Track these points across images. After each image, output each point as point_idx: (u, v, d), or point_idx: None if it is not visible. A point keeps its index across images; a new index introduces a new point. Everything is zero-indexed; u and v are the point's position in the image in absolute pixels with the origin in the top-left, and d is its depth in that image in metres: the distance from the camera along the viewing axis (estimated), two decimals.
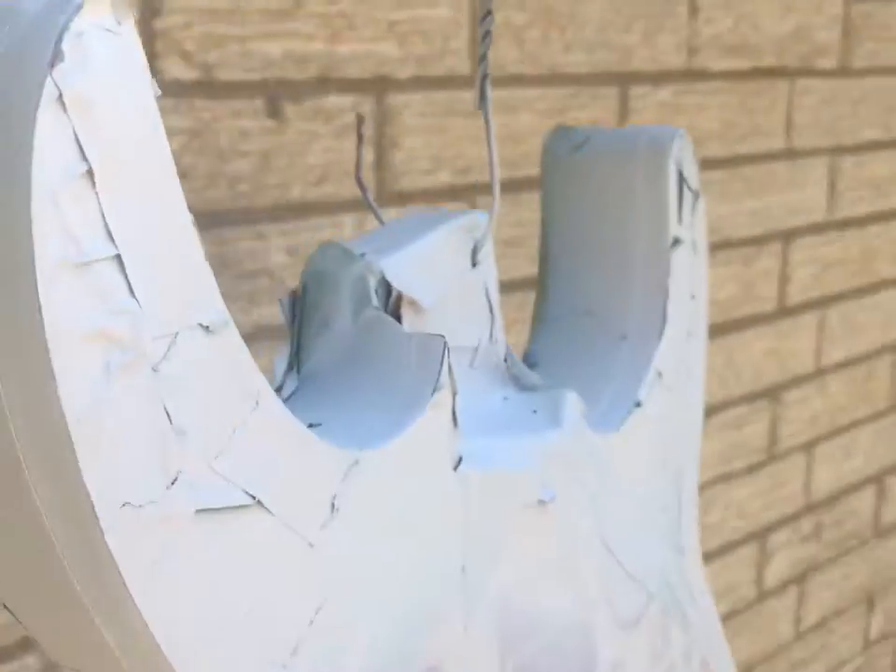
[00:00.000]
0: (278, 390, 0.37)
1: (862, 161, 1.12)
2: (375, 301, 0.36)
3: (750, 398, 1.06)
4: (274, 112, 0.65)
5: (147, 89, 0.27)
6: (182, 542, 0.28)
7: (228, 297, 0.30)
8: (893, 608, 1.35)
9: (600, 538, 0.40)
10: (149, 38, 0.58)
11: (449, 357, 0.34)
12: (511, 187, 0.79)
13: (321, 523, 0.31)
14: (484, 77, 0.41)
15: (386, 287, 0.37)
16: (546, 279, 0.50)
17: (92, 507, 0.26)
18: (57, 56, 0.25)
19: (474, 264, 0.41)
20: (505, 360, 0.42)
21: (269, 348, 0.55)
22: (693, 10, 0.90)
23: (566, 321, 0.48)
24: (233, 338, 0.29)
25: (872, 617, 1.31)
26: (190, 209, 0.29)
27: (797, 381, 1.10)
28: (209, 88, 0.62)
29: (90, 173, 0.26)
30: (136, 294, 0.27)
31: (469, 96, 0.75)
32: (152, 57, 0.58)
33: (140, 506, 0.27)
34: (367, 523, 0.32)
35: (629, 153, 0.47)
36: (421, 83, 0.72)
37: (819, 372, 1.13)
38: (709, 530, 1.04)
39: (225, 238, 0.64)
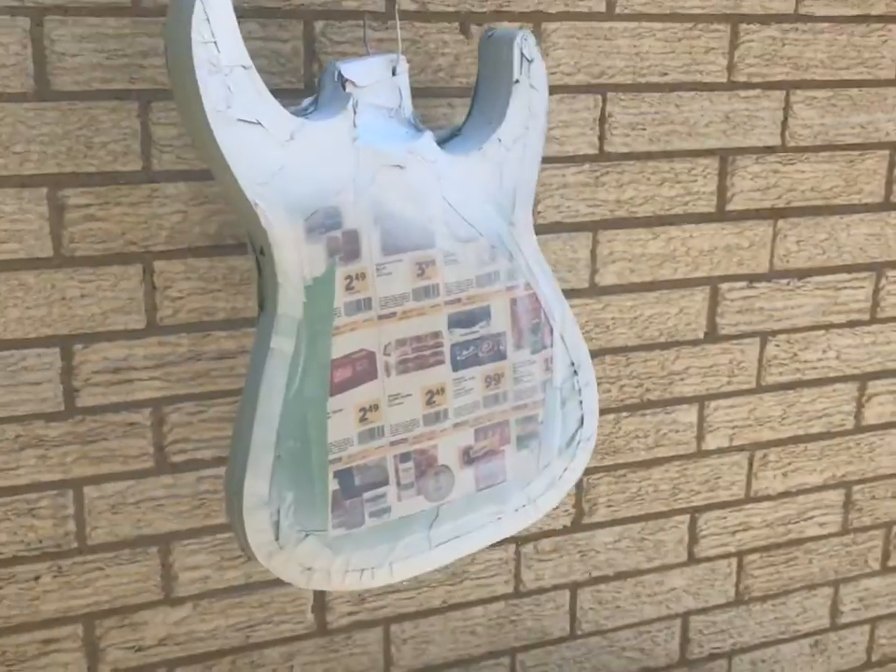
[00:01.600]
0: (304, 109, 0.85)
1: None
2: (336, 78, 0.83)
3: (852, 268, 1.38)
4: (464, 30, 1.12)
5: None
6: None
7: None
8: None
9: (443, 196, 0.84)
10: None
11: (355, 97, 0.81)
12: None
13: (288, 137, 0.79)
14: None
15: (341, 74, 0.84)
16: (472, 101, 0.95)
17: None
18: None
19: (394, 74, 0.86)
20: (410, 119, 0.87)
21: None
22: None
23: (472, 117, 0.92)
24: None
25: None
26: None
27: None
28: (424, 15, 1.09)
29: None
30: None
31: (604, 24, 1.17)
32: None
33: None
34: (309, 149, 0.79)
35: (505, 38, 0.91)
36: (565, 16, 1.16)
37: None
38: (809, 364, 1.39)
39: (429, 105, 1.11)
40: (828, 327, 1.40)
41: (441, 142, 0.90)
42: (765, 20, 1.25)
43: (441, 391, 0.86)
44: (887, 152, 1.36)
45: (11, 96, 0.99)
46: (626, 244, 1.26)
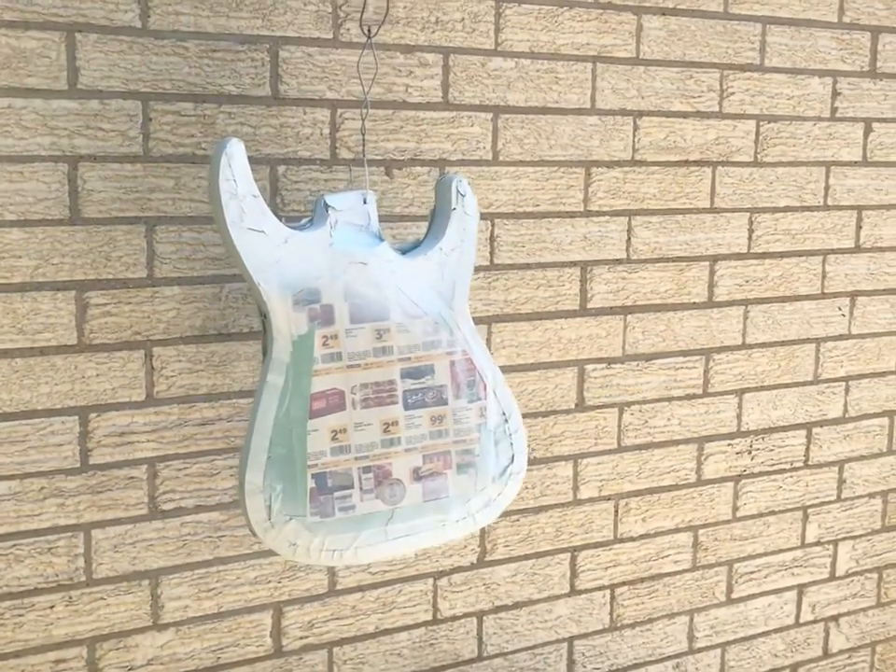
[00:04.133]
0: (302, 224, 1.22)
1: (777, 218, 1.83)
2: (322, 205, 1.19)
3: (686, 353, 1.78)
4: (388, 173, 1.49)
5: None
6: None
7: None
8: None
9: (397, 285, 1.19)
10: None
11: (335, 217, 1.17)
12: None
13: (284, 241, 1.14)
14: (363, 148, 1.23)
15: (326, 203, 1.20)
16: (429, 223, 1.32)
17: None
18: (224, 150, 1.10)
19: (365, 202, 1.22)
20: (375, 232, 1.24)
21: None
22: (636, 128, 1.67)
23: (428, 233, 1.30)
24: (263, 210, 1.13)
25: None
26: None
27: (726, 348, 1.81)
28: (358, 161, 1.46)
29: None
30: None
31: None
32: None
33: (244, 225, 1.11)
34: (298, 249, 1.15)
35: (447, 180, 1.29)
36: (462, 162, 1.54)
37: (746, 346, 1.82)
38: (656, 428, 1.77)
39: None
40: (670, 399, 1.78)
41: (405, 251, 1.26)
42: (610, 164, 1.66)
43: (396, 423, 1.20)
44: (707, 263, 1.77)
45: (51, 221, 1.31)
46: (513, 333, 1.62)
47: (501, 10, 1.54)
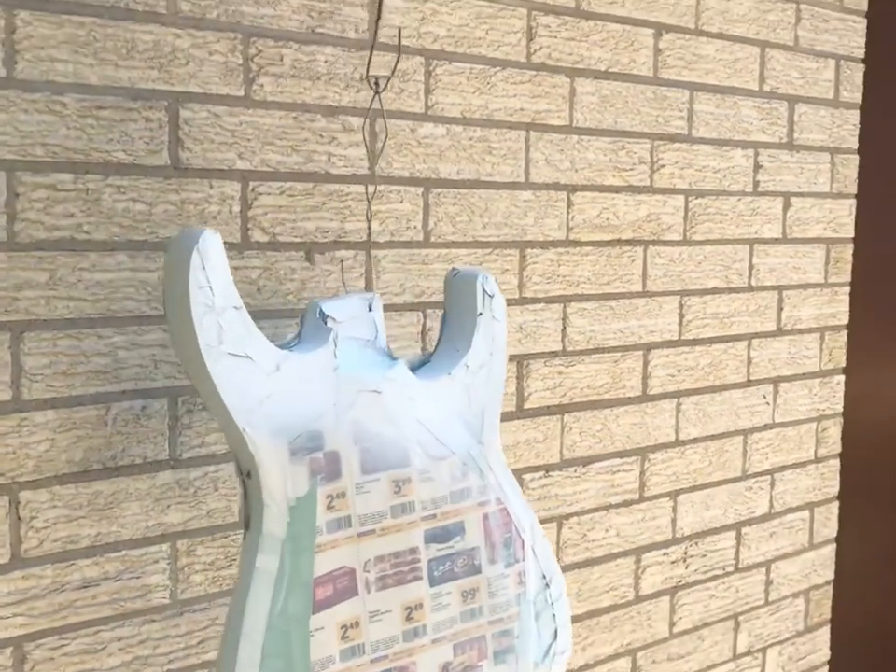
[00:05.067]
0: (289, 343, 0.93)
1: (706, 301, 1.67)
2: (318, 315, 0.92)
3: (623, 454, 1.58)
4: (309, 258, 1.22)
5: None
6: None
7: None
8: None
9: (416, 417, 0.93)
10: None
11: (336, 330, 0.90)
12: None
13: (275, 368, 0.86)
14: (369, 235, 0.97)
15: (322, 311, 0.93)
16: (440, 331, 1.05)
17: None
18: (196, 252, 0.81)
19: (370, 310, 0.95)
20: (384, 349, 0.97)
21: None
22: (569, 204, 1.47)
23: (441, 345, 1.03)
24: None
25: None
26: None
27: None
28: (274, 245, 1.19)
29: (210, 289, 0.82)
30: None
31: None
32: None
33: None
34: (294, 377, 0.87)
35: (469, 276, 1.03)
36: (391, 244, 1.29)
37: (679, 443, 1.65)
38: (595, 542, 1.55)
39: (280, 325, 1.19)
40: (608, 507, 1.57)
41: (414, 368, 0.98)
42: (545, 244, 1.45)
43: (420, 606, 0.92)
44: (641, 353, 1.59)
45: None
46: None
47: (432, 69, 1.31)
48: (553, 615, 1.01)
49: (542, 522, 1.49)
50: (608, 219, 1.52)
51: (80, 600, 1.10)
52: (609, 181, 1.52)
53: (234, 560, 1.21)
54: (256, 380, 0.84)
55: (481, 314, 1.01)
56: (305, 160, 1.22)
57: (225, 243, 1.16)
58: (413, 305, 1.32)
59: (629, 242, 1.55)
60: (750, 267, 1.73)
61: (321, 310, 0.92)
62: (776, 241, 1.76)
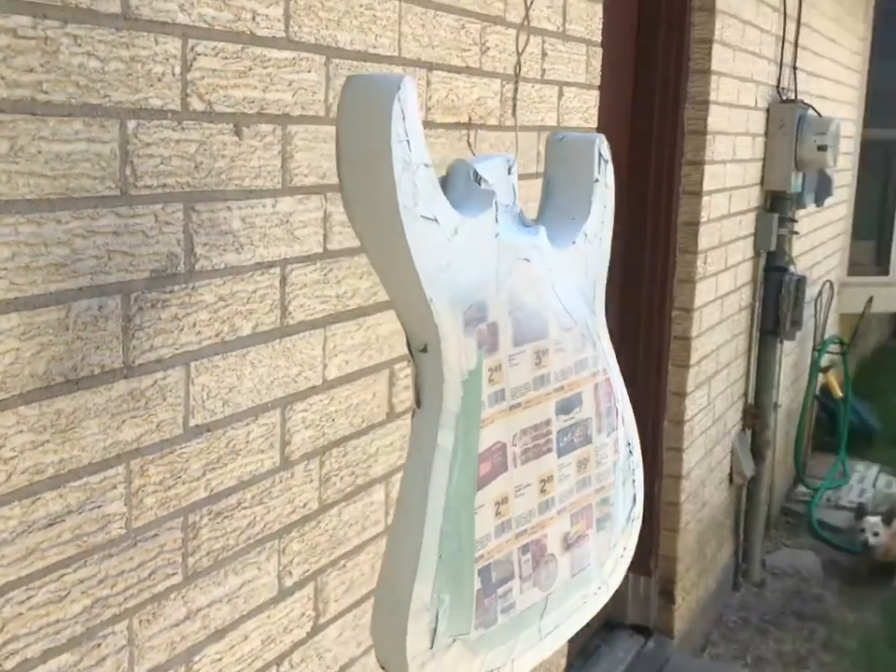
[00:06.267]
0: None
1: None
2: (471, 177, 0.83)
3: None
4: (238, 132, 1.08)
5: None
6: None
7: None
8: None
9: (552, 287, 0.88)
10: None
11: (496, 198, 0.82)
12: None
13: (453, 233, 0.77)
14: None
15: (476, 173, 0.84)
16: (543, 199, 0.98)
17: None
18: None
19: (508, 173, 0.87)
20: (518, 215, 0.89)
21: None
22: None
23: (545, 213, 0.97)
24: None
25: None
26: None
27: None
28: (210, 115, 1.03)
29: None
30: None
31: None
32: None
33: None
34: (466, 244, 0.78)
35: (583, 141, 0.98)
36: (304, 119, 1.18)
37: None
38: None
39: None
40: None
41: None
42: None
43: (551, 479, 0.85)
44: None
45: None
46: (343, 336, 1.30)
47: None
48: (633, 481, 1.00)
49: None
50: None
51: (46, 541, 0.92)
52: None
53: (180, 478, 1.06)
54: (440, 245, 0.75)
55: (597, 180, 0.96)
56: (234, 17, 1.06)
57: (167, 111, 0.99)
58: (314, 188, 1.22)
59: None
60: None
61: (475, 171, 0.82)
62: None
